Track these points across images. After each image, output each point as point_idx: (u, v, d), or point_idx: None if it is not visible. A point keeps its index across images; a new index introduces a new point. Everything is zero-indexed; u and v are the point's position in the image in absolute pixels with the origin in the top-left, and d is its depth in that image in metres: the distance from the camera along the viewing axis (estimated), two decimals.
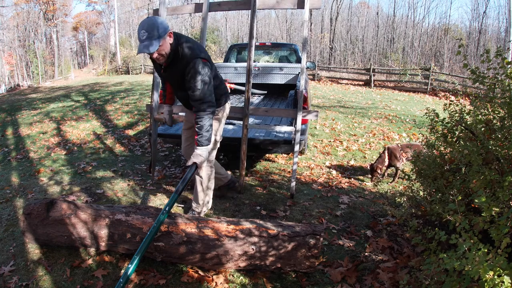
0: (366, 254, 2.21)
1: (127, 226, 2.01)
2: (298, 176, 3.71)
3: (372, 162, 3.72)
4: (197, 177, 2.60)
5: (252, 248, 1.92)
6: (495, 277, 1.07)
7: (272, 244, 1.93)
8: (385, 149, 3.62)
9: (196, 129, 2.24)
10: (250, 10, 3.07)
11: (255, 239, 1.94)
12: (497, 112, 1.69)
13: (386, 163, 3.58)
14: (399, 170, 3.61)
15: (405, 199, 2.50)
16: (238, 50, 6.79)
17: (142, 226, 2.00)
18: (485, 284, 1.07)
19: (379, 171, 3.59)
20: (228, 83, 5.85)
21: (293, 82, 5.72)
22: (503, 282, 1.05)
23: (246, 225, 2.00)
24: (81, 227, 2.05)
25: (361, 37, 26.71)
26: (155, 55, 2.10)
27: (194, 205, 2.70)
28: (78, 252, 2.14)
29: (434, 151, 2.10)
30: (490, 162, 1.59)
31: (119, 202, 3.00)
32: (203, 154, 2.22)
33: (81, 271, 1.99)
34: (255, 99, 5.66)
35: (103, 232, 2.03)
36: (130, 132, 5.90)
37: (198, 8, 3.29)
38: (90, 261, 2.07)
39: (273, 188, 3.38)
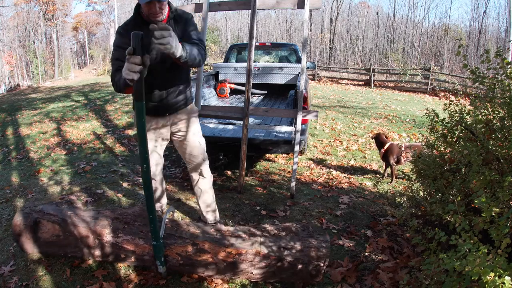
0: (366, 254, 2.21)
1: (118, 248, 1.93)
2: (298, 176, 3.71)
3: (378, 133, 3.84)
4: (206, 181, 2.42)
5: (252, 272, 1.86)
6: (496, 278, 1.06)
7: (273, 270, 1.85)
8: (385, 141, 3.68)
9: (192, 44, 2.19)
10: (250, 10, 3.07)
11: (255, 269, 1.84)
12: (497, 112, 1.69)
13: (383, 150, 3.61)
14: (394, 169, 3.62)
15: (405, 199, 2.50)
16: (238, 50, 6.79)
17: (134, 249, 1.91)
18: (486, 285, 1.07)
19: (382, 138, 3.70)
20: (228, 83, 5.86)
21: (293, 82, 5.72)
22: (504, 283, 1.05)
23: (246, 248, 1.84)
24: (74, 246, 1.97)
25: (361, 37, 26.71)
26: (156, 8, 1.85)
27: (211, 216, 2.51)
28: None
29: (434, 151, 2.10)
30: (490, 162, 1.59)
31: (119, 202, 3.00)
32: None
33: (81, 271, 1.99)
34: (255, 99, 5.66)
35: (97, 253, 1.97)
36: (130, 132, 5.90)
37: (198, 8, 3.29)
38: (90, 261, 2.07)
39: (273, 188, 3.38)
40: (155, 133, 2.23)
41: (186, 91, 2.22)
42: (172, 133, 2.28)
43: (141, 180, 3.55)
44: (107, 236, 1.93)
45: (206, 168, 2.39)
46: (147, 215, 1.74)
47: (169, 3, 2.01)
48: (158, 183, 2.49)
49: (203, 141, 2.36)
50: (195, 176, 2.40)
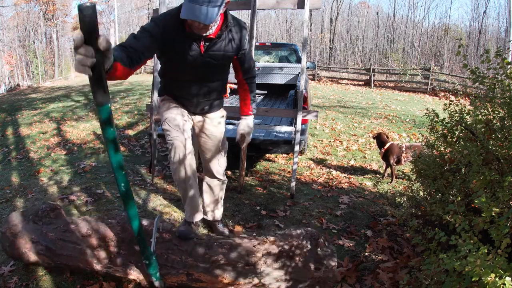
0: (366, 254, 2.21)
1: (112, 276, 1.82)
2: (298, 176, 3.71)
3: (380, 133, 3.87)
4: (219, 184, 2.29)
5: None
6: (497, 279, 1.06)
7: None
8: (385, 140, 3.68)
9: (252, 95, 2.12)
10: (250, 10, 3.06)
11: None
12: (497, 112, 1.69)
13: (383, 150, 3.62)
14: (394, 169, 3.62)
15: (405, 199, 2.50)
16: None
17: (127, 277, 1.80)
18: (487, 286, 1.07)
19: (383, 138, 3.72)
20: (229, 83, 5.86)
21: (293, 82, 5.72)
22: (505, 284, 1.05)
23: (242, 281, 1.71)
24: (69, 270, 1.90)
25: (361, 37, 26.72)
26: (198, 24, 1.60)
27: (221, 224, 2.42)
28: None
29: (434, 151, 2.10)
30: (490, 162, 1.58)
31: (119, 202, 3.00)
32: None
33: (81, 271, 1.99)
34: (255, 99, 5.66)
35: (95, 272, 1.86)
36: (130, 132, 5.90)
37: None
38: None
39: (273, 188, 3.38)
40: (180, 110, 2.01)
41: (219, 99, 2.14)
42: (196, 131, 2.18)
43: (140, 180, 3.55)
44: (97, 265, 1.80)
45: (222, 171, 2.28)
46: (129, 236, 1.69)
47: (226, 13, 1.74)
48: (190, 170, 2.00)
49: (226, 145, 2.26)
50: (208, 178, 2.29)
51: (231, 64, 2.03)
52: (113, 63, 1.21)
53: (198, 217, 2.18)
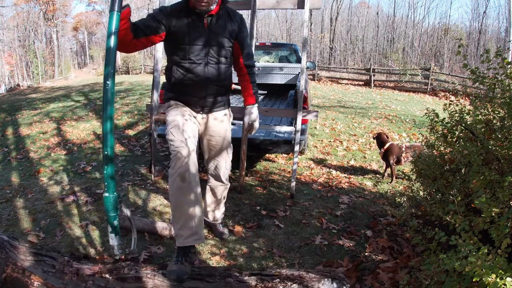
0: (366, 254, 2.21)
1: None
2: (298, 176, 3.71)
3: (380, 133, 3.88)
4: (222, 187, 2.31)
5: None
6: (498, 280, 1.06)
7: None
8: (385, 140, 3.67)
9: (252, 83, 2.17)
10: (250, 10, 3.06)
11: None
12: (497, 112, 1.69)
13: (383, 150, 3.61)
14: (394, 169, 3.62)
15: (405, 199, 2.50)
16: None
17: None
18: (487, 286, 1.07)
19: (383, 137, 3.73)
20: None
21: (293, 82, 5.72)
22: (505, 284, 1.05)
23: None
24: None
25: (361, 37, 26.72)
26: None
27: (221, 225, 2.46)
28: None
29: (434, 151, 2.10)
30: (490, 162, 1.58)
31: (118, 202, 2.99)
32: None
33: None
34: None
35: None
36: (130, 132, 5.90)
37: None
38: None
39: (273, 188, 3.38)
40: (180, 110, 1.98)
41: (224, 95, 2.12)
42: (200, 132, 2.12)
43: (140, 180, 3.55)
44: None
45: (226, 175, 2.28)
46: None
47: None
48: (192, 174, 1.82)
49: (231, 148, 2.25)
50: (213, 181, 2.28)
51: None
52: (127, 7, 1.59)
53: (195, 240, 1.76)
